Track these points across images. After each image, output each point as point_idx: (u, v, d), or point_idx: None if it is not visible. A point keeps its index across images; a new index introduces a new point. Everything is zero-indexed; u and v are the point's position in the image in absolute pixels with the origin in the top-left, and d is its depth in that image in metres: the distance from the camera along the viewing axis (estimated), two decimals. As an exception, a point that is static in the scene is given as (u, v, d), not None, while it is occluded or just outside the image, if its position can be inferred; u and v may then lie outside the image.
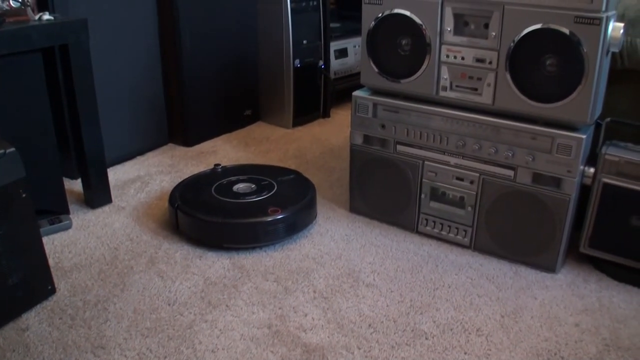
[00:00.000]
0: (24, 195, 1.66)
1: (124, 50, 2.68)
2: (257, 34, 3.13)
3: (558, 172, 1.75)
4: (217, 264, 1.92)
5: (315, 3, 3.07)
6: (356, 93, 2.08)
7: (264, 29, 3.10)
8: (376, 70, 2.01)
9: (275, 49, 3.09)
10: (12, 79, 2.03)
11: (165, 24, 2.79)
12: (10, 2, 2.11)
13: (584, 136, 1.69)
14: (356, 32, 3.32)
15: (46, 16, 2.09)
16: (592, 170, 1.77)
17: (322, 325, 1.63)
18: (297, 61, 3.07)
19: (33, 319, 1.71)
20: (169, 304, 1.74)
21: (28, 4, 2.12)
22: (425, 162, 1.99)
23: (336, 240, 2.06)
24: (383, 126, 2.04)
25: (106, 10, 2.56)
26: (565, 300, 1.75)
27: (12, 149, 1.62)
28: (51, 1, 2.36)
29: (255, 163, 2.45)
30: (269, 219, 1.95)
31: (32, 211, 1.70)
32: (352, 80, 3.42)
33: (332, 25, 3.26)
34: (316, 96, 3.28)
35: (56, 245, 2.08)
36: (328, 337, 1.59)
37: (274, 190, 2.11)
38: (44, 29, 2.03)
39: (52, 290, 1.81)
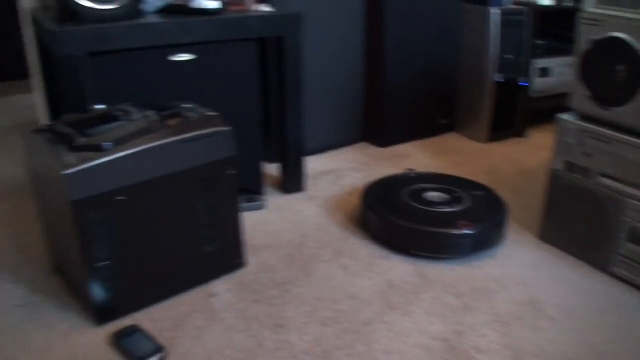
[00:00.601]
0: (231, 172, 1.78)
1: (331, 47, 2.77)
2: (460, 44, 3.12)
3: None
4: (400, 268, 1.95)
5: (521, 18, 3.00)
6: (562, 116, 2.00)
7: (468, 39, 3.07)
8: (587, 94, 1.92)
9: (477, 61, 3.05)
10: (228, 64, 2.17)
11: (372, 25, 2.86)
12: (235, -9, 2.26)
13: None
14: (561, 51, 3.20)
15: (265, 8, 2.21)
16: None
17: (498, 351, 1.60)
18: (498, 76, 3.01)
19: (221, 287, 1.84)
20: (350, 298, 1.78)
21: (249, -5, 2.25)
22: (629, 200, 1.88)
23: (522, 265, 2.00)
24: (588, 155, 1.95)
25: (319, 7, 2.66)
26: None
27: (228, 128, 1.75)
28: (270, -6, 2.49)
29: (448, 173, 2.43)
30: (458, 232, 1.93)
31: (236, 188, 1.82)
32: (553, 102, 3.29)
33: (536, 42, 3.16)
34: (514, 113, 3.20)
35: (249, 223, 2.20)
36: (503, 362, 1.56)
37: (466, 204, 2.09)
38: (263, 20, 2.15)
39: (242, 264, 1.93)
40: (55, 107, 2.50)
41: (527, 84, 3.13)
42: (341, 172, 2.69)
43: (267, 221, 2.23)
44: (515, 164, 2.85)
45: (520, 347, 1.61)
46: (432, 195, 2.15)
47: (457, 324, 1.69)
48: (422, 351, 1.58)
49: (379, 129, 3.00)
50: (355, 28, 2.83)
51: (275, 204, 2.37)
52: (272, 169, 2.63)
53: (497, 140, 3.15)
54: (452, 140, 3.17)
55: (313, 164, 2.76)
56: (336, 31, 2.76)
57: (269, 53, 2.56)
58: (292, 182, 2.45)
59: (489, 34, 2.94)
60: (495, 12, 2.90)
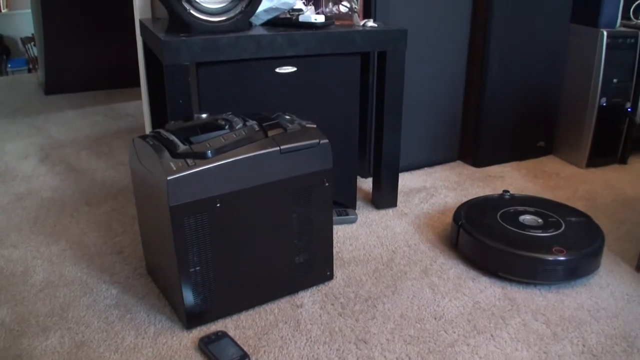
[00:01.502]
0: (326, 184, 1.80)
1: (432, 63, 2.76)
2: (565, 66, 3.04)
3: None
4: (488, 290, 1.91)
5: (632, 41, 2.90)
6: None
7: (574, 61, 3.00)
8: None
9: (582, 83, 2.97)
10: (330, 77, 2.21)
11: (475, 44, 2.83)
12: (340, 6, 2.29)
13: None
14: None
15: (370, 23, 2.23)
16: None
17: (588, 382, 1.55)
18: (603, 99, 2.92)
19: (308, 298, 1.86)
20: (435, 318, 1.77)
21: (355, 10, 2.28)
22: None
23: (616, 297, 1.93)
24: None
25: (423, 23, 2.66)
26: None
27: (326, 141, 1.77)
28: (374, 9, 2.51)
29: (545, 197, 2.37)
30: (551, 258, 1.88)
31: (330, 200, 1.84)
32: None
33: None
34: (616, 139, 3.09)
35: (339, 236, 2.22)
36: (592, 395, 1.51)
37: (561, 230, 2.03)
38: (367, 34, 2.17)
39: (330, 277, 1.94)
40: (159, 115, 2.61)
41: (631, 109, 3.02)
42: (433, 190, 2.67)
43: (357, 235, 2.24)
44: (614, 192, 2.75)
45: (612, 382, 1.56)
46: (527, 218, 2.10)
47: (544, 353, 1.64)
48: (507, 377, 1.55)
49: (474, 149, 2.96)
50: (459, 47, 2.81)
51: (366, 218, 2.38)
52: (365, 184, 2.64)
53: (596, 165, 3.05)
54: (549, 164, 3.08)
55: (405, 181, 2.75)
56: (439, 49, 2.75)
57: (370, 67, 2.58)
58: (384, 198, 2.46)
59: (598, 56, 2.86)
60: (605, 34, 2.81)
